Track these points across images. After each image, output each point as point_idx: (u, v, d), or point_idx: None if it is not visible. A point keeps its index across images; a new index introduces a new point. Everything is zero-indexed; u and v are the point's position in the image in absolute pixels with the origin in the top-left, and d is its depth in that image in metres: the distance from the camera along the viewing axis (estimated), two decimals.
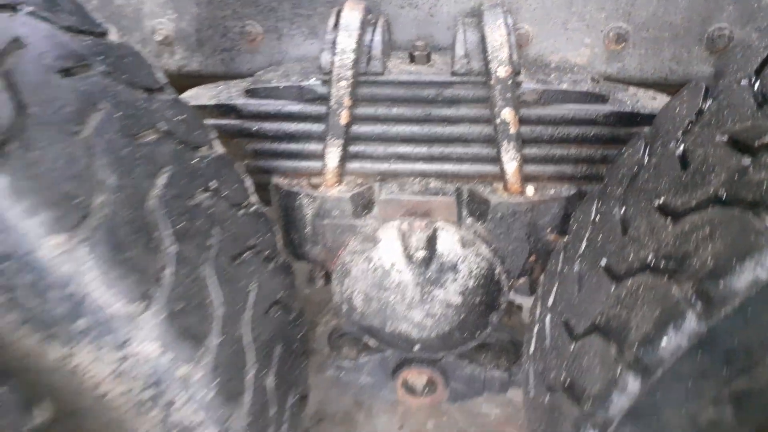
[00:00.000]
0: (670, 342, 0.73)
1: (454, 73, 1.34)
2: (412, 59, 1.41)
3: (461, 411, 2.28)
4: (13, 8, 0.83)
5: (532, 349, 1.19)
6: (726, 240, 0.69)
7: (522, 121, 1.34)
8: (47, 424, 0.73)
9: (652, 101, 1.38)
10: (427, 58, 1.40)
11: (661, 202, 0.86)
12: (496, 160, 1.36)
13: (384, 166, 1.43)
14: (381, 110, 1.39)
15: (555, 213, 1.38)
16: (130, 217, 0.82)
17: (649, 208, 0.88)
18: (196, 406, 0.85)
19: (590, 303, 0.94)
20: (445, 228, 1.39)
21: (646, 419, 0.80)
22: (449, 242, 1.40)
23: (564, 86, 1.33)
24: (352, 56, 1.31)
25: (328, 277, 1.56)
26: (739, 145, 0.77)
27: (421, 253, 1.40)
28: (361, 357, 1.71)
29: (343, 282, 1.49)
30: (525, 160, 1.37)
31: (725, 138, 0.79)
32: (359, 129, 1.40)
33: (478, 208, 1.39)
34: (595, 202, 1.11)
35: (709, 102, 0.92)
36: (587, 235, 1.07)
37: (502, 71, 1.28)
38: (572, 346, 0.95)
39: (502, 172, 1.36)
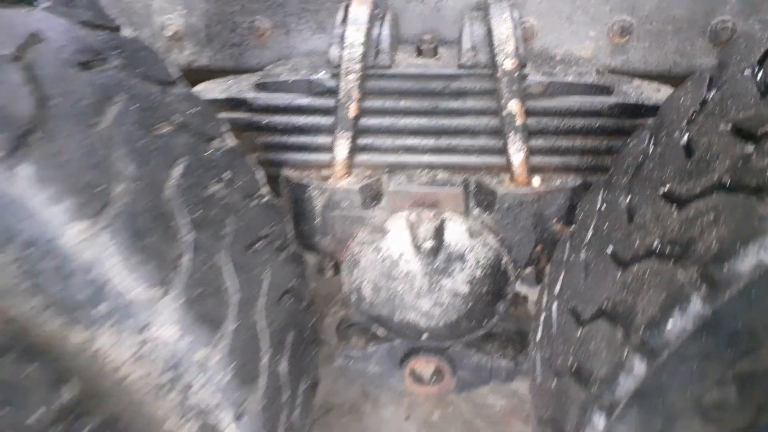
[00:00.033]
0: (675, 325, 0.74)
1: (460, 66, 1.36)
2: (420, 53, 1.42)
3: (467, 402, 2.30)
4: (30, 3, 0.85)
5: (539, 336, 1.21)
6: (730, 225, 0.71)
7: (528, 112, 1.36)
8: (75, 402, 0.75)
9: (656, 93, 1.39)
10: (434, 52, 1.42)
11: (666, 189, 0.87)
12: (503, 151, 1.38)
13: (392, 158, 1.45)
14: (389, 103, 1.40)
15: (561, 203, 1.39)
16: (149, 205, 0.83)
17: (654, 195, 0.90)
18: (213, 389, 0.86)
19: (597, 289, 0.96)
20: (452, 219, 1.41)
21: (651, 401, 0.81)
22: (457, 233, 1.42)
23: (569, 78, 1.35)
24: (360, 50, 1.33)
25: (337, 268, 1.58)
26: (742, 133, 0.78)
27: (429, 244, 1.41)
28: (369, 346, 1.73)
29: (353, 272, 1.51)
30: (531, 152, 1.38)
31: (729, 126, 0.81)
32: (368, 122, 1.41)
33: (485, 198, 1.41)
34: (601, 191, 1.13)
35: (713, 92, 0.93)
36: (593, 223, 1.08)
37: (508, 64, 1.30)
38: (579, 332, 0.97)
39: (509, 163, 1.37)
